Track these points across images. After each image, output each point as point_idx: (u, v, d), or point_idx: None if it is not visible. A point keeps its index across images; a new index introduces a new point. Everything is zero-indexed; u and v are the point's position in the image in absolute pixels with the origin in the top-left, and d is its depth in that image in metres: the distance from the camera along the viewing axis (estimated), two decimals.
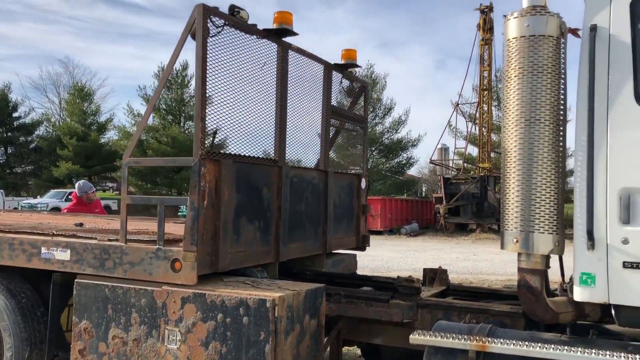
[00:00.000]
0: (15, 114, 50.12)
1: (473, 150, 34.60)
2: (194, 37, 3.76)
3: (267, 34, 4.49)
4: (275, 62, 4.63)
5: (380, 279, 5.01)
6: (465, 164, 32.63)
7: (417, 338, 3.51)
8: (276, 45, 4.65)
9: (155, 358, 4.00)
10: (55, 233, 4.57)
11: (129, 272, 4.06)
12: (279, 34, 4.60)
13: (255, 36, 4.32)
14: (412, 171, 49.85)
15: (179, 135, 40.97)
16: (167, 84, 43.78)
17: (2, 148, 49.48)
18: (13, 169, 49.38)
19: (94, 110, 49.97)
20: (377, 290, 4.59)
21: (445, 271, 5.09)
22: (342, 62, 5.51)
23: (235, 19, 4.11)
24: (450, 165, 32.69)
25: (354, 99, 5.73)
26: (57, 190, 38.69)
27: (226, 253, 4.07)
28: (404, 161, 45.74)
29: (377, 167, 42.19)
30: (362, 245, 6.00)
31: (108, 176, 49.46)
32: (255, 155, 4.54)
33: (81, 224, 5.31)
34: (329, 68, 5.45)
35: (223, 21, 4.00)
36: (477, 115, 32.50)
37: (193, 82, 44.35)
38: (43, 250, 4.42)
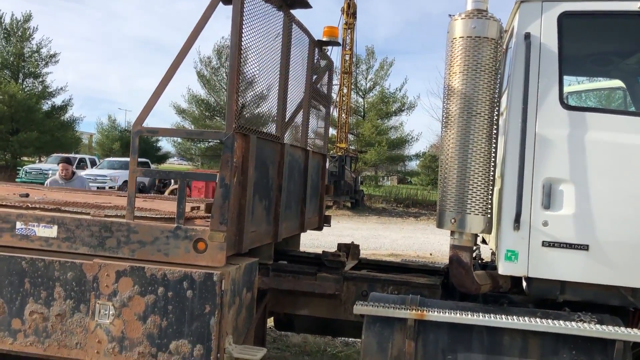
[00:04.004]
0: None
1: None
2: (225, 2, 3.53)
3: (281, 3, 4.30)
4: (281, 35, 4.45)
5: (305, 254, 5.18)
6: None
7: (360, 309, 3.76)
8: (283, 16, 4.46)
9: (82, 333, 3.82)
10: (31, 206, 4.00)
11: (138, 253, 3.71)
12: (292, 5, 4.43)
13: (270, 5, 4.10)
14: None
15: (18, 93, 37.02)
16: (5, 35, 39.28)
17: None
18: None
19: None
20: (301, 264, 4.77)
21: (357, 246, 5.43)
22: (324, 39, 5.45)
23: None
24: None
25: (319, 76, 5.70)
26: None
27: (248, 233, 3.89)
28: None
29: None
30: (322, 225, 6.01)
31: None
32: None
33: (27, 195, 4.74)
34: (314, 44, 5.34)
35: None
36: (338, 97, 33.72)
37: (36, 36, 40.46)
38: (19, 225, 3.86)
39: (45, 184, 8.39)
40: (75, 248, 3.83)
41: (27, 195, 4.73)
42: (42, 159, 38.43)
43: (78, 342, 3.82)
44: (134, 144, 3.83)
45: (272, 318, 5.27)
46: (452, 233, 3.82)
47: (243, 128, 3.83)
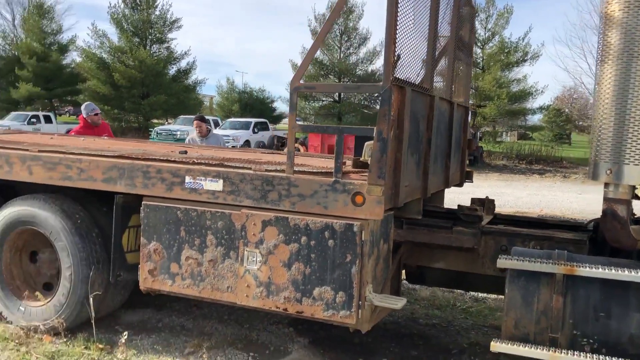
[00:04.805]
0: None
1: None
2: None
3: None
4: None
5: (438, 208, 5.11)
6: None
7: (504, 262, 3.67)
8: None
9: (233, 278, 4.08)
10: (197, 161, 4.27)
11: (298, 205, 3.83)
12: None
13: None
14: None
15: (147, 59, 39.52)
16: (133, 4, 41.72)
17: None
18: None
19: (55, 29, 47.23)
20: (435, 218, 4.71)
21: (492, 201, 5.24)
22: None
23: None
24: None
25: (463, 25, 5.45)
26: (18, 112, 37.02)
27: (403, 188, 3.88)
28: (376, 95, 45.10)
29: (350, 100, 41.91)
30: (464, 180, 5.82)
31: (69, 99, 47.49)
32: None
33: (185, 152, 5.13)
34: None
35: None
36: None
37: (160, 2, 42.63)
38: (187, 179, 4.15)
39: (185, 142, 8.97)
40: (240, 201, 4.00)
41: (185, 152, 5.06)
42: (169, 121, 41.02)
43: (229, 286, 4.10)
44: (292, 100, 3.85)
45: (403, 271, 5.30)
46: (607, 185, 3.58)
47: (399, 80, 3.74)
